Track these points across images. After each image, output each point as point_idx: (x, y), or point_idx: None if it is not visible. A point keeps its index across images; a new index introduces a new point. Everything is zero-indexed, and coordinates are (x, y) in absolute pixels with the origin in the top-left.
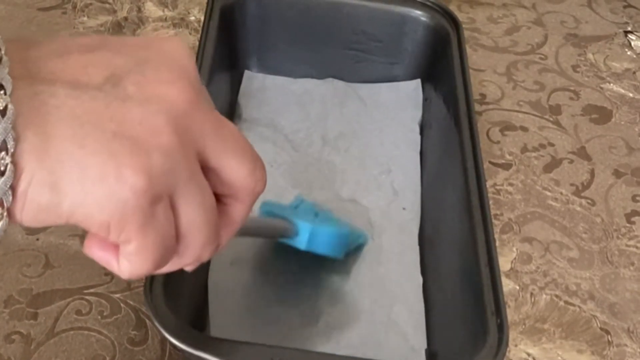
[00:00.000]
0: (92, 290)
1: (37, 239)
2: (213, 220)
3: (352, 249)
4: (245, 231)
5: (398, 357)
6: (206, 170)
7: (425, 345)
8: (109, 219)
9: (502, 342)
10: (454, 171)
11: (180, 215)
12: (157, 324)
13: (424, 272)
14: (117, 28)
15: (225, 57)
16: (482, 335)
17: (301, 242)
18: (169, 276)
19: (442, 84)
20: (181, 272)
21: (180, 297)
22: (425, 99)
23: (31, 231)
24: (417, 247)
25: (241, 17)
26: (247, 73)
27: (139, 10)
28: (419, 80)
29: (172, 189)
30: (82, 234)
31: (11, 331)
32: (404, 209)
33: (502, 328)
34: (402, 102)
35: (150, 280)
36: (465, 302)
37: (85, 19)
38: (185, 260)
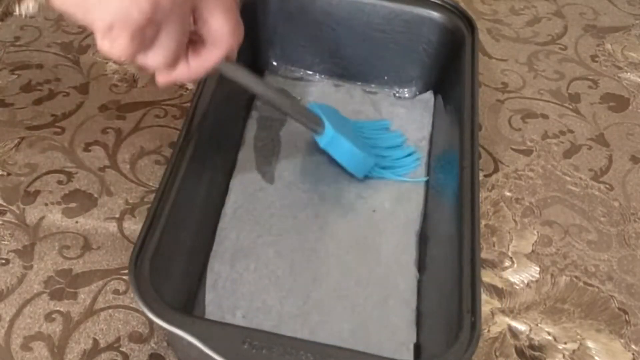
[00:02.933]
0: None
1: (76, 222)
2: (178, 48)
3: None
4: (253, 87)
5: (385, 351)
6: (199, 19)
7: (414, 340)
8: (116, 22)
9: (473, 340)
10: (453, 173)
11: (159, 38)
12: (137, 298)
13: (421, 269)
14: None
15: (245, 52)
16: (457, 331)
17: (322, 140)
18: (157, 254)
19: (452, 86)
20: (173, 253)
21: (169, 277)
22: (435, 99)
23: (70, 214)
24: (417, 246)
25: (263, 14)
26: (267, 74)
27: None
28: (431, 92)
29: (162, 21)
30: (119, 217)
31: (51, 310)
32: (407, 209)
33: (474, 327)
34: (415, 114)
35: (137, 255)
36: (448, 299)
37: None
38: (151, 58)
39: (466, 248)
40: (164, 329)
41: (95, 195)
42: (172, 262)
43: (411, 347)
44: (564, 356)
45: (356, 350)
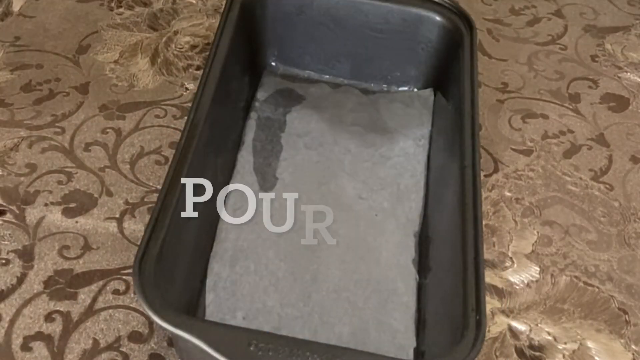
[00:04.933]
0: (128, 271)
1: (76, 222)
2: None
3: None
4: None
5: (385, 354)
6: None
7: (414, 344)
8: None
9: (478, 338)
10: (454, 173)
11: None
12: (142, 301)
13: (421, 270)
14: (153, 18)
15: (244, 53)
16: (462, 330)
17: None
18: (161, 256)
19: (451, 86)
20: (176, 255)
21: (172, 279)
22: (434, 102)
23: (70, 214)
24: (416, 247)
25: (261, 15)
26: (266, 75)
27: (174, 1)
28: (431, 90)
29: None
30: (119, 217)
31: (51, 310)
32: (407, 209)
33: (480, 325)
34: (414, 112)
35: (141, 258)
36: (452, 299)
37: (122, 9)
38: None
39: (469, 247)
40: (170, 332)
41: (95, 195)
42: (175, 264)
43: (411, 351)
44: (564, 356)
45: (362, 351)
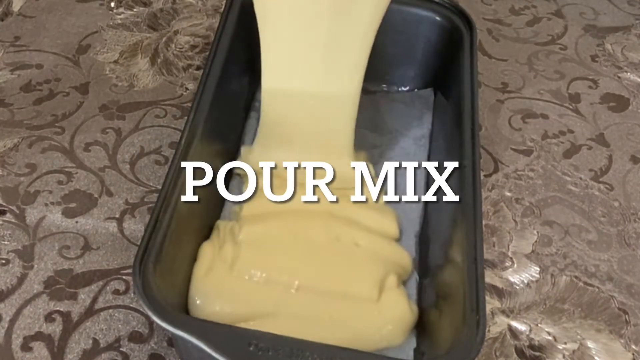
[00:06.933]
0: (129, 271)
1: (76, 222)
2: None
3: None
4: None
5: (385, 354)
6: None
7: (414, 345)
8: None
9: (478, 338)
10: (454, 172)
11: None
12: (142, 301)
13: (421, 270)
14: (153, 18)
15: (244, 54)
16: (462, 330)
17: None
18: (160, 256)
19: (451, 86)
20: (175, 255)
21: (172, 279)
22: (434, 102)
23: (70, 214)
24: (417, 247)
25: None
26: None
27: (174, 1)
28: (431, 89)
29: None
30: (119, 217)
31: (52, 310)
32: (407, 209)
33: (479, 325)
34: (414, 112)
35: (141, 258)
36: (452, 299)
37: (122, 9)
38: None
39: (469, 247)
40: (170, 332)
41: (95, 195)
42: (175, 264)
43: (411, 352)
44: (564, 356)
45: (362, 351)
